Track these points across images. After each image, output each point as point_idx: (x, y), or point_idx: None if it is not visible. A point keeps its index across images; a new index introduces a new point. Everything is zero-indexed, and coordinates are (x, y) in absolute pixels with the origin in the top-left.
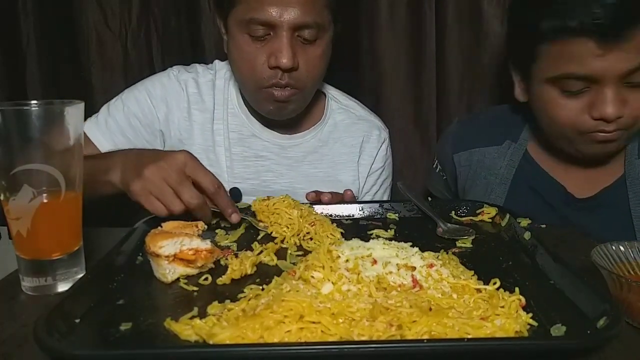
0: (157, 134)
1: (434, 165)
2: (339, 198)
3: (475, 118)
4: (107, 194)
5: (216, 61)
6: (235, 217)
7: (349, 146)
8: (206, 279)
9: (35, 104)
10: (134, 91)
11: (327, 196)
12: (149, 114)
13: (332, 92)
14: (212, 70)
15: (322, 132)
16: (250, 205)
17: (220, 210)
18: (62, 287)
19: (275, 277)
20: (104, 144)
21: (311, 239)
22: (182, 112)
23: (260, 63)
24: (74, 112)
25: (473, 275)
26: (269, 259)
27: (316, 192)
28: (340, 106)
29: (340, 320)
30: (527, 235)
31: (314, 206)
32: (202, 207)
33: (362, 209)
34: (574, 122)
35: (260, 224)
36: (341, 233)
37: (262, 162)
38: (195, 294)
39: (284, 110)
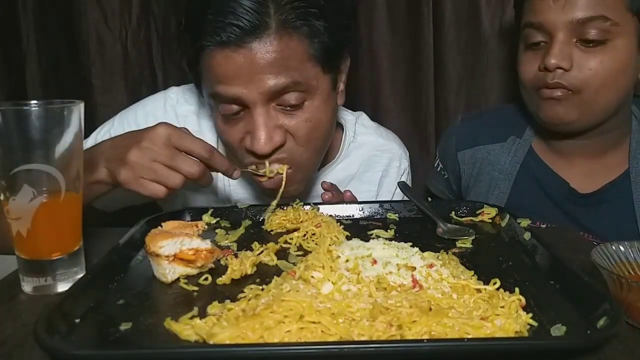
0: None
1: (435, 165)
2: (339, 198)
3: (479, 116)
4: (102, 193)
5: None
6: (237, 174)
7: (366, 183)
8: (206, 279)
9: (35, 104)
10: (124, 123)
11: (327, 195)
12: None
13: (347, 120)
14: None
15: (336, 170)
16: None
17: (221, 172)
18: (62, 287)
19: (275, 277)
20: None
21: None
22: None
23: (236, 142)
24: (74, 112)
25: (473, 275)
26: (269, 259)
27: (332, 184)
28: (356, 139)
29: (340, 320)
30: (527, 235)
31: (319, 207)
32: (204, 173)
33: (362, 209)
34: (531, 77)
35: (262, 178)
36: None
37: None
38: (195, 294)
39: (279, 193)
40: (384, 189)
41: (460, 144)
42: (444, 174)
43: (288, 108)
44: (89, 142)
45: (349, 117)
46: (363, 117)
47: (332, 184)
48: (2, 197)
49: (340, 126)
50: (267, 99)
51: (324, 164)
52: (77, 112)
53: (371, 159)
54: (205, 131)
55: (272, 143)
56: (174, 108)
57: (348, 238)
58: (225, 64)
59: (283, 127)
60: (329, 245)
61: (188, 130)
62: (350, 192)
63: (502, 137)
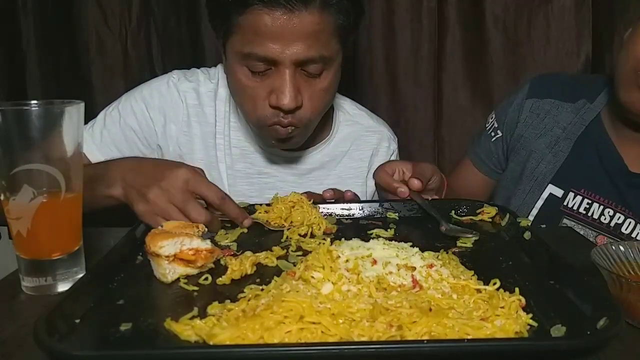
0: (155, 147)
1: (487, 126)
2: (339, 195)
3: (556, 74)
4: (109, 206)
5: (219, 66)
6: (247, 222)
7: (357, 160)
8: (206, 278)
9: (35, 104)
10: (131, 100)
11: (328, 192)
12: (146, 127)
13: (339, 102)
14: (214, 79)
15: (329, 147)
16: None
17: (231, 219)
18: (62, 287)
19: (275, 277)
20: (98, 157)
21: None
22: (180, 126)
23: (261, 100)
24: (74, 112)
25: (473, 275)
26: (269, 259)
27: (334, 190)
28: (347, 118)
29: (341, 321)
30: (527, 235)
31: (319, 206)
32: (211, 222)
33: (362, 208)
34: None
35: (273, 223)
36: (340, 236)
37: (266, 179)
38: (195, 294)
39: (287, 144)
40: (374, 167)
41: (532, 92)
42: (494, 135)
43: (309, 74)
44: (98, 120)
45: (340, 100)
46: (354, 101)
47: (333, 189)
48: (2, 197)
49: (330, 106)
50: (297, 64)
51: (319, 141)
52: (77, 112)
53: (361, 138)
54: (205, 104)
55: (297, 99)
56: (176, 85)
57: (347, 238)
58: (271, 24)
59: (301, 92)
60: (329, 245)
61: (203, 172)
62: (351, 191)
63: (574, 98)
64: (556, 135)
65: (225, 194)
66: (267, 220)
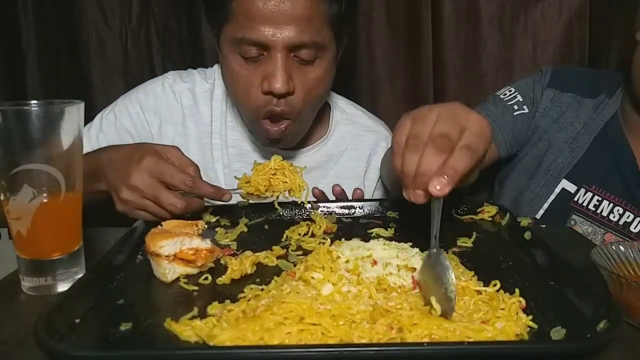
0: None
1: (503, 97)
2: (325, 197)
3: (574, 68)
4: (103, 200)
5: (216, 66)
6: (227, 197)
7: (355, 160)
8: (206, 278)
9: (35, 104)
10: (127, 102)
11: (337, 187)
12: (142, 129)
13: (337, 102)
14: (211, 79)
15: (326, 146)
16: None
17: (208, 198)
18: (62, 287)
19: (275, 278)
20: None
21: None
22: (176, 127)
23: (253, 88)
24: (74, 112)
25: (473, 275)
26: (269, 259)
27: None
28: (345, 117)
29: (341, 323)
30: (527, 235)
31: (319, 205)
32: (189, 207)
33: (362, 207)
34: None
35: (254, 194)
36: (340, 235)
37: None
38: (195, 293)
39: (281, 143)
40: (372, 167)
41: (553, 83)
42: (517, 109)
43: (302, 61)
44: (94, 124)
45: (337, 99)
46: (352, 101)
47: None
48: (2, 197)
49: (327, 105)
50: (289, 49)
51: (316, 140)
52: (77, 112)
53: (359, 138)
54: (200, 104)
55: (289, 84)
56: (171, 86)
57: (348, 238)
58: (263, 8)
59: (293, 79)
60: (329, 245)
61: (179, 150)
62: (339, 185)
63: (594, 93)
64: (576, 131)
65: (193, 176)
66: (247, 193)
